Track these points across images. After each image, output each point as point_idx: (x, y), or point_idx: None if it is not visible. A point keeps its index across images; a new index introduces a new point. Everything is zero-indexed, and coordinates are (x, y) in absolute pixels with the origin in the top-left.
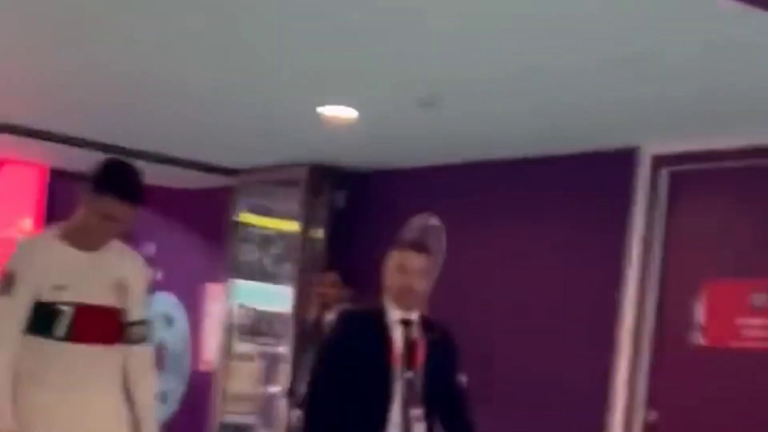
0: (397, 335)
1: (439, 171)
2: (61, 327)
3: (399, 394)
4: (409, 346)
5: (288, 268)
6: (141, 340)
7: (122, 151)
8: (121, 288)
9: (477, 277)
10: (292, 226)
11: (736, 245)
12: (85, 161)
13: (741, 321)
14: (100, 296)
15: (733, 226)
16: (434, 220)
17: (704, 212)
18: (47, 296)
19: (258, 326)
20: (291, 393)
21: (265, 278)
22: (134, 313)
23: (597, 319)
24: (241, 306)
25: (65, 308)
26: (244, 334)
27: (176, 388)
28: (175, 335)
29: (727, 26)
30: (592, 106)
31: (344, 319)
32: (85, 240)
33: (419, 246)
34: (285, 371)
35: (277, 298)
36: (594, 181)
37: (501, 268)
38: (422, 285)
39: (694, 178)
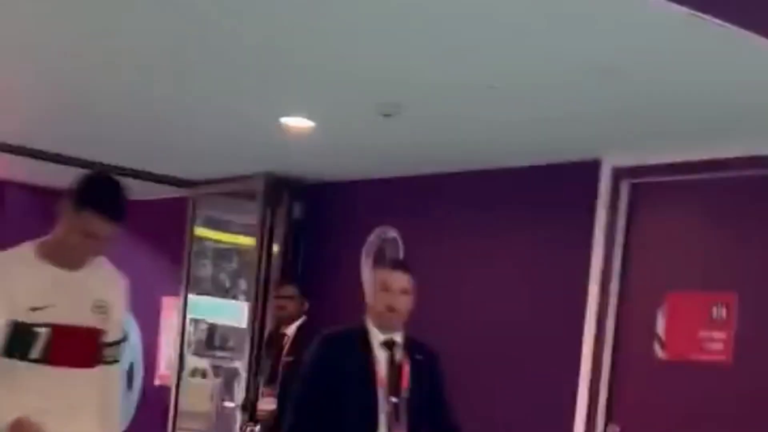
0: (381, 358)
1: (399, 182)
2: (37, 349)
3: (384, 420)
4: (394, 369)
5: (244, 282)
6: (114, 361)
7: (75, 161)
8: (101, 308)
9: (437, 291)
10: (248, 241)
11: (696, 258)
12: (39, 173)
13: (702, 334)
14: (79, 317)
15: (693, 238)
16: (393, 233)
17: (665, 224)
18: (23, 316)
19: (213, 341)
20: (246, 408)
21: (221, 293)
22: (111, 334)
23: (559, 332)
24: (196, 321)
25: (42, 329)
26: (199, 349)
27: (130, 403)
28: (129, 350)
29: (688, 39)
30: (553, 118)
31: (325, 341)
32: (65, 257)
33: (402, 265)
34: (241, 386)
35: (233, 313)
36: (556, 194)
37: (461, 281)
38: (406, 305)
39: (654, 190)
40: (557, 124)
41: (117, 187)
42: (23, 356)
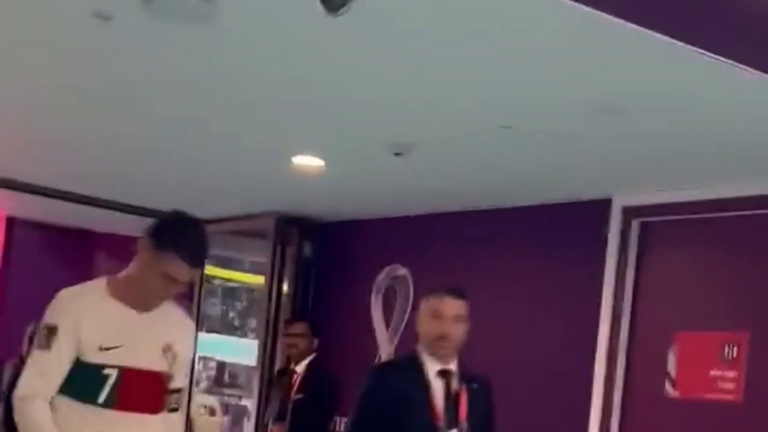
0: (437, 388)
1: (409, 221)
2: (105, 392)
3: None
4: (451, 399)
5: (253, 321)
6: (176, 409)
7: (85, 199)
8: (170, 352)
9: None
10: (258, 279)
11: (707, 296)
12: (49, 210)
13: (712, 373)
14: (149, 360)
15: (704, 277)
16: (403, 271)
17: (675, 263)
18: (91, 357)
19: (222, 379)
20: None
21: (230, 331)
22: (177, 380)
23: (570, 370)
24: (206, 358)
25: (111, 371)
26: (208, 387)
27: None
28: None
29: (697, 80)
30: (564, 157)
31: (376, 373)
32: (138, 298)
33: (455, 291)
34: (250, 424)
35: (242, 351)
36: (566, 232)
37: (472, 320)
38: (459, 332)
39: (664, 229)
40: (568, 164)
41: (201, 231)
42: (89, 399)
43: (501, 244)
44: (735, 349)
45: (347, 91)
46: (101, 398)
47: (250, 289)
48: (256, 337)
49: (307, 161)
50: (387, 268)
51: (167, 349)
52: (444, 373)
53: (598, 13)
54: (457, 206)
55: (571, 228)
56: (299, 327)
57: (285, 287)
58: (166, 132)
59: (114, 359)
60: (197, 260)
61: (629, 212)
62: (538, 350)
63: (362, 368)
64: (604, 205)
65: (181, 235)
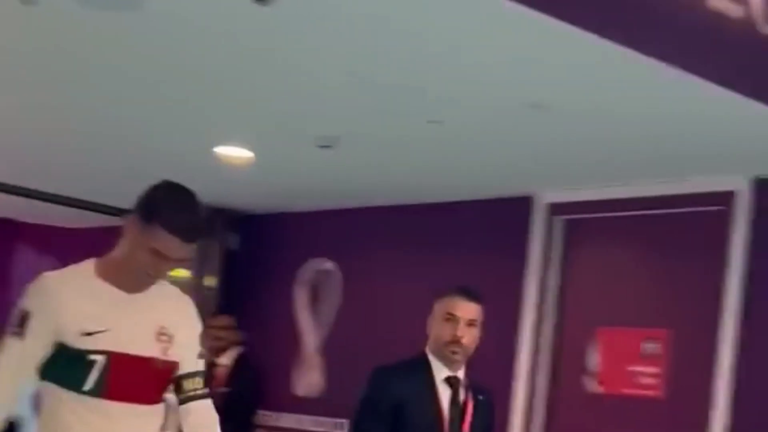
0: (444, 396)
1: (336, 215)
2: (92, 380)
3: None
4: (457, 409)
5: None
6: (201, 395)
7: (9, 189)
8: (164, 336)
9: (372, 324)
10: (184, 273)
11: (629, 294)
12: None
13: (634, 368)
14: (140, 345)
15: (626, 274)
16: (329, 265)
17: (598, 260)
18: (74, 342)
19: None
20: None
21: None
22: (187, 364)
23: (494, 366)
24: None
25: (97, 357)
26: None
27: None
28: None
29: (622, 77)
30: (489, 153)
31: (380, 374)
32: (127, 278)
33: (471, 293)
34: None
35: None
36: (492, 229)
37: (396, 314)
38: (472, 337)
39: (588, 226)
40: (495, 160)
41: (193, 201)
42: (74, 387)
43: (427, 239)
44: (656, 345)
45: (275, 82)
46: (87, 386)
47: (175, 282)
48: None
49: (235, 152)
50: (313, 262)
51: (161, 333)
52: (451, 382)
53: (527, 10)
54: (385, 201)
55: (496, 224)
56: (224, 320)
57: (210, 280)
58: (90, 119)
59: (99, 344)
60: (190, 234)
61: (553, 209)
62: None
63: (288, 361)
64: (529, 201)
65: (170, 207)
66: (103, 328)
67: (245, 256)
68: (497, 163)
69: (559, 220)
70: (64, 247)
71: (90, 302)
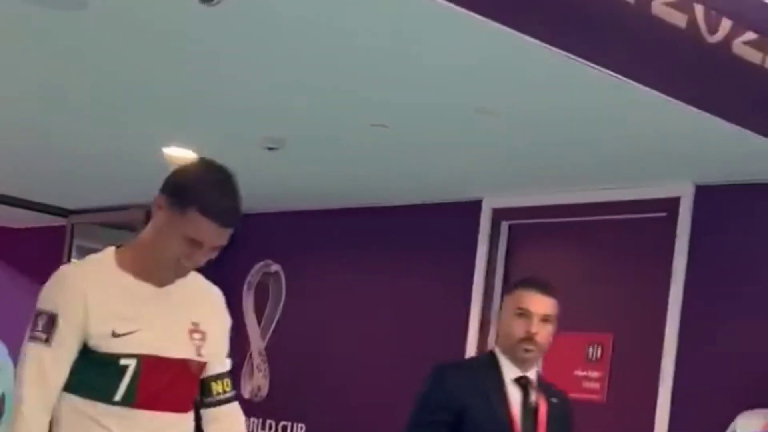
0: (514, 398)
1: (283, 217)
2: (122, 388)
3: None
4: (529, 412)
5: None
6: (229, 399)
7: None
8: (198, 333)
9: (318, 327)
10: None
11: (572, 299)
12: None
13: (577, 373)
14: (174, 345)
15: (569, 279)
16: (275, 267)
17: (542, 265)
18: (104, 346)
19: None
20: None
21: None
22: (216, 365)
23: None
24: None
25: (128, 362)
26: None
27: None
28: (5, 384)
29: (565, 83)
30: (437, 158)
31: (442, 374)
32: (155, 270)
33: (545, 286)
34: None
35: None
36: (441, 233)
37: (343, 316)
38: (547, 334)
39: (532, 231)
40: (441, 164)
41: (232, 182)
42: (103, 397)
43: (375, 243)
44: (599, 350)
45: (220, 84)
46: (118, 395)
47: None
48: None
49: (180, 153)
50: (259, 264)
51: (195, 330)
52: (522, 382)
53: (474, 15)
54: (332, 204)
55: (445, 228)
56: None
57: None
58: (35, 118)
59: (131, 346)
60: (229, 218)
61: (498, 214)
62: (409, 350)
63: (234, 364)
64: (476, 206)
65: (207, 188)
66: (133, 329)
67: None
68: (443, 167)
69: (505, 225)
70: (7, 247)
71: (117, 299)
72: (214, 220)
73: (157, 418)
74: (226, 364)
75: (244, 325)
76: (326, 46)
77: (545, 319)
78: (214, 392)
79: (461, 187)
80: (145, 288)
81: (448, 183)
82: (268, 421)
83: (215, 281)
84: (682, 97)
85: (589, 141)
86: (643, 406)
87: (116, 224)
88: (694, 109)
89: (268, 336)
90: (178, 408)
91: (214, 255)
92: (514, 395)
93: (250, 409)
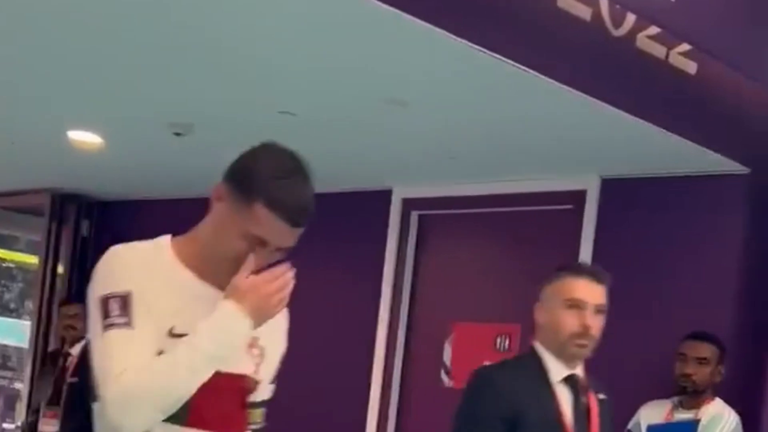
0: (564, 399)
1: (190, 203)
2: None
3: None
4: (581, 413)
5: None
6: (260, 429)
7: None
8: (256, 348)
9: None
10: (33, 259)
11: (482, 289)
12: None
13: (486, 363)
14: (232, 359)
15: (479, 270)
16: None
17: (452, 256)
18: (161, 343)
19: None
20: (24, 430)
21: (6, 313)
22: (264, 389)
23: (350, 359)
24: None
25: None
26: None
27: None
28: None
29: (474, 75)
30: (347, 147)
31: (488, 379)
32: (214, 269)
33: (598, 273)
34: (22, 407)
35: (17, 333)
36: (352, 222)
37: None
38: (599, 327)
39: (442, 222)
40: (351, 153)
41: (305, 174)
42: None
43: None
44: (507, 340)
45: (126, 67)
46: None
47: (27, 270)
48: (31, 319)
49: (85, 137)
50: None
51: (253, 344)
52: (571, 381)
53: (381, 4)
54: None
55: (356, 218)
56: (75, 308)
57: (60, 267)
58: None
59: None
60: (300, 216)
61: (408, 204)
62: (319, 339)
63: None
64: (386, 196)
65: (277, 178)
66: (191, 332)
67: (98, 243)
68: (353, 156)
69: (415, 215)
70: None
71: (176, 294)
72: (282, 216)
73: None
74: (269, 391)
75: None
76: (235, 33)
77: (600, 310)
78: (251, 421)
79: (371, 177)
80: (206, 289)
81: (358, 172)
82: None
83: None
84: (587, 90)
85: (496, 133)
86: None
87: (20, 209)
88: (599, 102)
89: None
90: (232, 428)
91: (278, 258)
92: (564, 396)
93: None
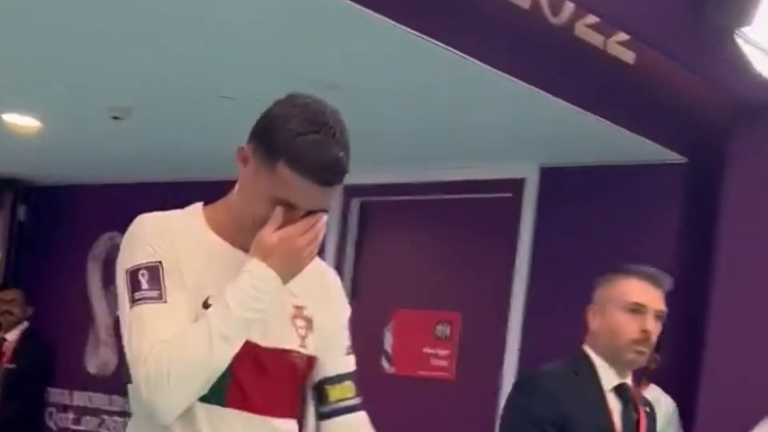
0: (614, 409)
1: (130, 188)
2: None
3: None
4: (630, 425)
5: None
6: (352, 407)
7: None
8: (301, 319)
9: None
10: None
11: (422, 277)
12: None
13: (426, 350)
14: (272, 331)
15: (420, 258)
16: (121, 239)
17: (394, 243)
18: (195, 316)
19: None
20: None
21: None
22: (332, 364)
23: None
24: None
25: None
26: None
27: None
28: None
29: (416, 65)
30: None
31: (537, 386)
32: (248, 235)
33: (659, 277)
34: None
35: None
36: None
37: None
38: (657, 334)
39: (384, 209)
40: None
41: (336, 128)
42: None
43: None
44: (448, 327)
45: (64, 50)
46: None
47: None
48: None
49: (22, 121)
50: (106, 235)
51: (298, 315)
52: (621, 391)
53: None
54: (180, 176)
55: None
56: (12, 293)
57: None
58: None
59: None
60: (329, 173)
61: (349, 191)
62: None
63: (79, 338)
64: None
65: (299, 135)
66: None
67: (35, 228)
68: None
69: (356, 202)
70: None
71: (210, 263)
72: (307, 176)
73: (251, 421)
74: (347, 364)
75: (89, 298)
76: (173, 17)
77: (659, 316)
78: (332, 399)
79: None
80: (241, 257)
81: None
82: (114, 397)
83: (61, 253)
84: (526, 78)
85: (435, 120)
86: (490, 383)
87: None
88: (538, 91)
89: (115, 309)
90: (280, 412)
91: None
92: (614, 405)
93: (96, 384)
